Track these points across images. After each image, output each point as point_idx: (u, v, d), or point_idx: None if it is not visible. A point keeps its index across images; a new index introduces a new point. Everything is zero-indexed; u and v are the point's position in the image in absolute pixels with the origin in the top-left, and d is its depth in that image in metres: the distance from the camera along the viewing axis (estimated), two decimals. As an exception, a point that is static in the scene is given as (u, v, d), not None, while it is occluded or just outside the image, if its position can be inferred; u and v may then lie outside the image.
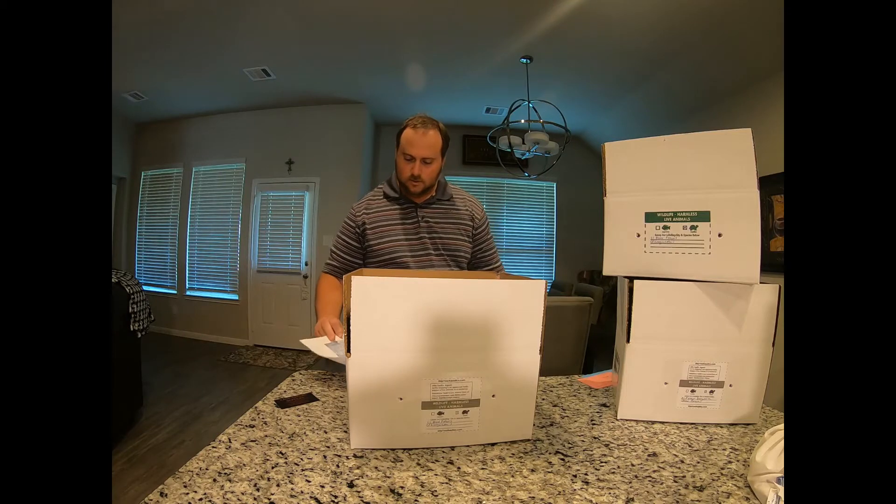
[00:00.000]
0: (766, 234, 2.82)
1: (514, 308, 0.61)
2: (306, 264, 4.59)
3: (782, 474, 0.48)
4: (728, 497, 0.50)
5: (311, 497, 0.48)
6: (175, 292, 5.05)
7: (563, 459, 0.59)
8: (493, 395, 0.62)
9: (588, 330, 2.39)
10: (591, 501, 0.49)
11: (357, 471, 0.54)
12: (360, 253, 1.24)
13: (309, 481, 0.51)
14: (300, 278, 4.60)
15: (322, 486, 0.50)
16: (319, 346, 0.99)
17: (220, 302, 4.90)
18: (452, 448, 0.61)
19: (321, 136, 4.51)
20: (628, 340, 0.73)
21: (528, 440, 0.65)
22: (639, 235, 0.76)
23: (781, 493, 0.46)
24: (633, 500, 0.50)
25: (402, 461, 0.57)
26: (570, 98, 3.96)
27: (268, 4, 2.74)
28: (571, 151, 4.27)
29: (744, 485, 0.53)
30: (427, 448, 0.61)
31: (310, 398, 0.79)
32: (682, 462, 0.59)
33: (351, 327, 0.57)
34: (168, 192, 5.12)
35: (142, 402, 2.70)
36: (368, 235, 1.21)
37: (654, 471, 0.57)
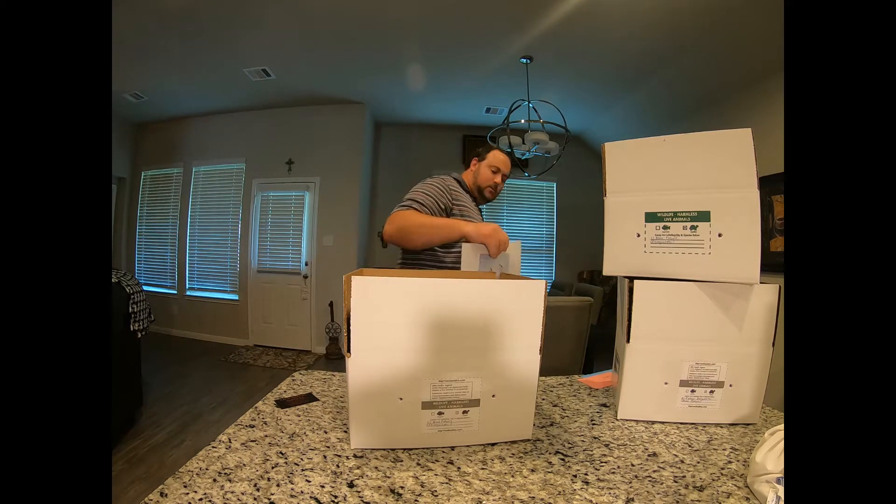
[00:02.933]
0: (766, 234, 2.82)
1: (514, 308, 0.61)
2: (306, 264, 4.59)
3: (782, 475, 0.48)
4: (728, 497, 0.50)
5: (311, 497, 0.48)
6: (175, 292, 5.05)
7: (563, 459, 0.59)
8: (494, 396, 0.62)
9: (588, 330, 2.39)
10: (591, 501, 0.49)
11: (357, 471, 0.54)
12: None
13: (309, 481, 0.51)
14: (300, 278, 4.60)
15: (322, 486, 0.50)
16: (474, 256, 1.04)
17: (220, 302, 4.91)
18: (452, 448, 0.61)
19: (321, 136, 4.51)
20: (628, 340, 0.73)
21: (528, 440, 0.65)
22: (639, 235, 0.76)
23: (781, 494, 0.46)
24: (633, 500, 0.50)
25: (402, 461, 0.57)
26: (570, 98, 3.96)
27: (268, 4, 2.74)
28: (571, 151, 4.28)
29: (744, 485, 0.53)
30: (427, 448, 0.61)
31: (310, 398, 0.79)
32: (682, 462, 0.59)
33: (351, 327, 0.57)
34: (168, 192, 5.12)
35: (142, 402, 2.70)
36: (455, 213, 1.34)
37: (654, 471, 0.57)
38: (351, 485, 0.51)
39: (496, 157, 1.51)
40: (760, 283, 0.69)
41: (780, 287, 0.70)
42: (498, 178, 1.49)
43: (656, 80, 3.50)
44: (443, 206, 1.31)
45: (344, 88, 4.11)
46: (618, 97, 4.00)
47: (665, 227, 0.74)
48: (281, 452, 0.58)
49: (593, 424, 0.72)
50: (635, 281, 0.71)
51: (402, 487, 0.51)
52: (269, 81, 3.93)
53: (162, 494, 0.47)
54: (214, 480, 0.50)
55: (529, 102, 3.36)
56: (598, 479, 0.54)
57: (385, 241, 1.35)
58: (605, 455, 0.61)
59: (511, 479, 0.53)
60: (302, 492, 0.49)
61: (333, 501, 0.47)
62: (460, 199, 1.38)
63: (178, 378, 3.46)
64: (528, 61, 3.34)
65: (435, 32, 3.06)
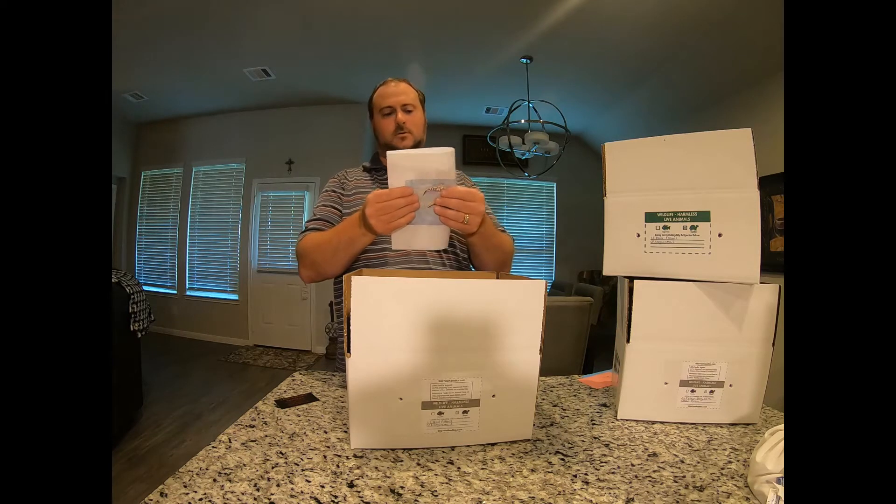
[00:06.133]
0: (766, 234, 2.82)
1: (514, 308, 0.61)
2: (306, 264, 4.58)
3: (782, 475, 0.48)
4: (728, 497, 0.50)
5: (311, 497, 0.48)
6: (175, 292, 5.05)
7: (563, 459, 0.59)
8: (494, 396, 0.62)
9: (588, 330, 2.39)
10: (591, 501, 0.49)
11: (357, 471, 0.54)
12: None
13: (309, 481, 0.51)
14: (300, 278, 4.60)
15: (322, 486, 0.50)
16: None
17: (220, 302, 4.91)
18: (452, 448, 0.61)
19: (321, 136, 4.51)
20: (628, 340, 0.73)
21: (528, 440, 0.65)
22: (639, 235, 0.76)
23: (781, 494, 0.46)
24: (633, 500, 0.50)
25: (402, 461, 0.57)
26: (570, 98, 3.96)
27: (268, 4, 2.74)
28: (571, 151, 4.28)
29: (744, 485, 0.53)
30: (427, 448, 0.61)
31: (310, 398, 0.79)
32: (682, 462, 0.59)
33: (351, 327, 0.57)
34: (168, 192, 5.12)
35: (142, 402, 2.71)
36: (345, 203, 1.09)
37: (654, 471, 0.57)
38: (351, 485, 0.51)
39: (380, 95, 1.11)
40: (760, 283, 0.69)
41: (780, 287, 0.70)
42: (395, 119, 1.07)
43: (656, 80, 3.51)
44: (339, 207, 1.10)
45: (344, 88, 4.11)
46: (618, 97, 4.00)
47: (665, 227, 0.74)
48: (281, 452, 0.58)
49: (593, 424, 0.72)
50: (635, 281, 0.71)
51: (402, 487, 0.51)
52: (269, 81, 3.93)
53: (162, 494, 0.47)
54: (214, 480, 0.50)
55: (529, 102, 3.36)
56: (598, 479, 0.54)
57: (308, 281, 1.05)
58: (605, 455, 0.61)
59: (511, 479, 0.53)
60: (302, 492, 0.49)
61: (333, 501, 0.47)
62: (352, 186, 1.11)
63: (178, 378, 3.46)
64: (528, 61, 3.34)
65: (435, 32, 3.06)
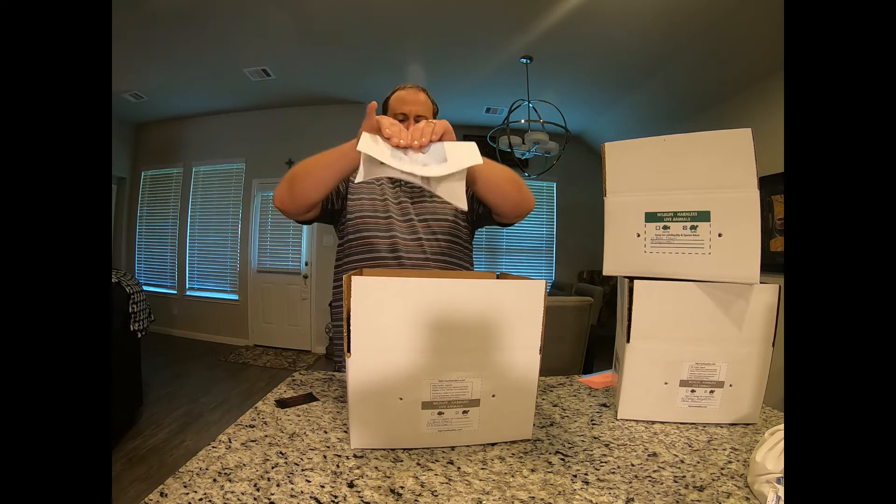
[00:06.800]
0: (766, 234, 2.82)
1: (514, 308, 0.61)
2: (306, 264, 4.59)
3: (782, 475, 0.48)
4: (728, 497, 0.50)
5: (311, 497, 0.48)
6: (175, 292, 5.05)
7: (563, 459, 0.59)
8: (493, 396, 0.62)
9: (588, 330, 2.39)
10: (591, 501, 0.49)
11: (357, 471, 0.54)
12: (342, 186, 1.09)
13: (309, 481, 0.51)
14: (300, 278, 4.60)
15: (322, 486, 0.50)
16: (377, 153, 0.71)
17: (220, 302, 4.91)
18: (452, 448, 0.61)
19: (321, 136, 4.49)
20: (628, 340, 0.73)
21: (528, 440, 0.65)
22: (639, 235, 0.76)
23: (781, 494, 0.46)
24: (633, 500, 0.50)
25: (402, 461, 0.57)
26: (570, 98, 3.96)
27: (268, 4, 2.74)
28: (571, 151, 4.28)
29: (744, 485, 0.53)
30: (427, 448, 0.61)
31: (310, 398, 0.79)
32: (682, 462, 0.59)
33: (351, 327, 0.57)
34: (168, 192, 5.12)
35: (142, 402, 2.71)
36: (350, 189, 1.10)
37: (654, 471, 0.57)
38: (351, 485, 0.51)
39: (398, 99, 1.10)
40: (760, 283, 0.69)
41: (780, 287, 0.70)
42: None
43: (656, 80, 3.50)
44: (339, 190, 1.09)
45: (344, 88, 4.11)
46: (618, 97, 4.00)
47: (665, 227, 0.74)
48: (281, 452, 0.58)
49: (593, 424, 0.72)
50: (635, 281, 0.71)
51: (402, 487, 0.51)
52: (269, 81, 3.93)
53: (162, 494, 0.47)
54: (214, 480, 0.50)
55: (529, 102, 3.36)
56: (598, 479, 0.54)
57: (281, 210, 0.97)
58: (605, 455, 0.61)
59: (511, 479, 0.53)
60: (302, 492, 0.49)
61: (333, 501, 0.47)
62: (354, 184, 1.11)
63: (178, 378, 3.46)
64: (528, 61, 3.34)
65: (435, 32, 3.06)
